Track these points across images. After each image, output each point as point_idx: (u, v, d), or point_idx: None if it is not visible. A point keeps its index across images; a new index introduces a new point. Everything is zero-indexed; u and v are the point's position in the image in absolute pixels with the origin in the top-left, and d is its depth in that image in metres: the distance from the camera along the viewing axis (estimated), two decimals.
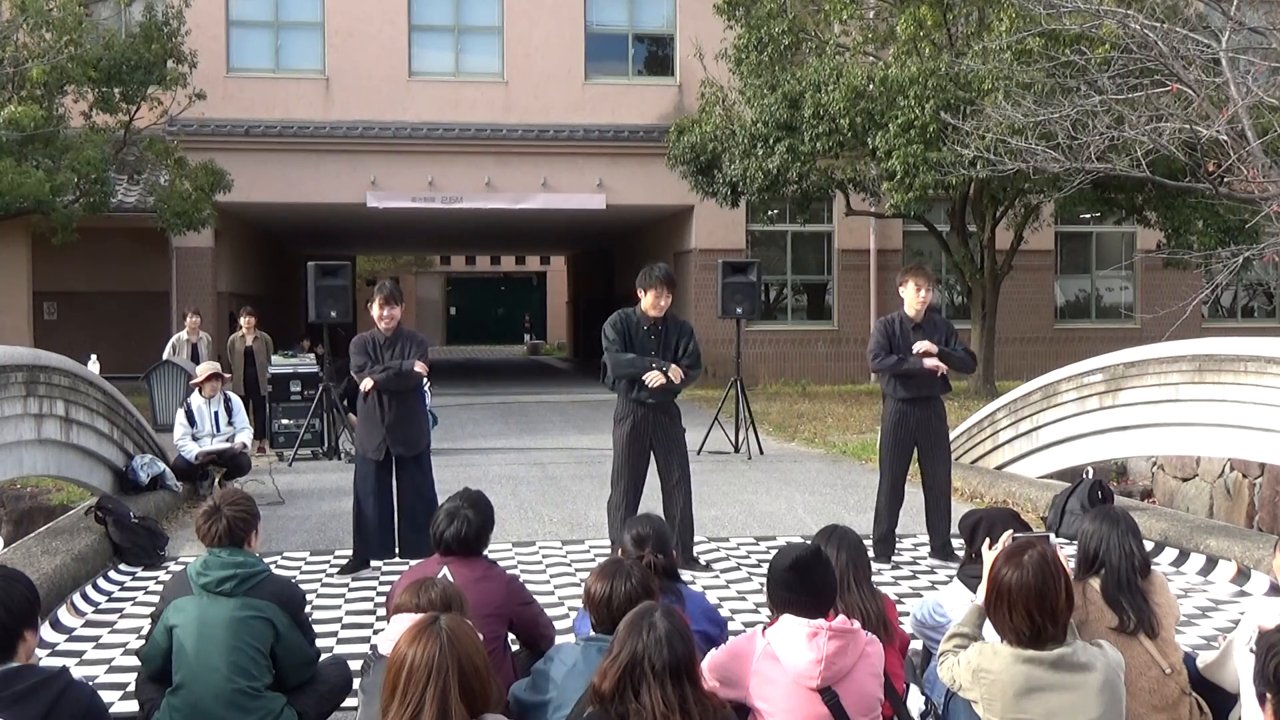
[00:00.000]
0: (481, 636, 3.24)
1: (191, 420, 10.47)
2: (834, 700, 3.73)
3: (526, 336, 54.58)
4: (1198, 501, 11.50)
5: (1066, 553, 4.41)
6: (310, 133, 22.04)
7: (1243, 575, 7.49)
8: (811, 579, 3.86)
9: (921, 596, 6.34)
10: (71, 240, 17.87)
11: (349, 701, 4.76)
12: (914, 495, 8.41)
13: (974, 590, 4.37)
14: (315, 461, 13.10)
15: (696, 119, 19.09)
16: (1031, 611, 3.69)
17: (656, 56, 23.93)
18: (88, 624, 6.74)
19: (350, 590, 7.45)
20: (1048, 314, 24.26)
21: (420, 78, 22.70)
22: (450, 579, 4.24)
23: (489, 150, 22.53)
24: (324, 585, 7.58)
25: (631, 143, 22.62)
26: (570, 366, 34.57)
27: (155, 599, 5.94)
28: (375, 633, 6.29)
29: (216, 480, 10.45)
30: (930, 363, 7.88)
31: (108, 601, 7.28)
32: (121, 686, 5.47)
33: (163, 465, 10.18)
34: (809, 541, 4.32)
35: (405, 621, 3.42)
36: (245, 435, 10.71)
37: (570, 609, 6.66)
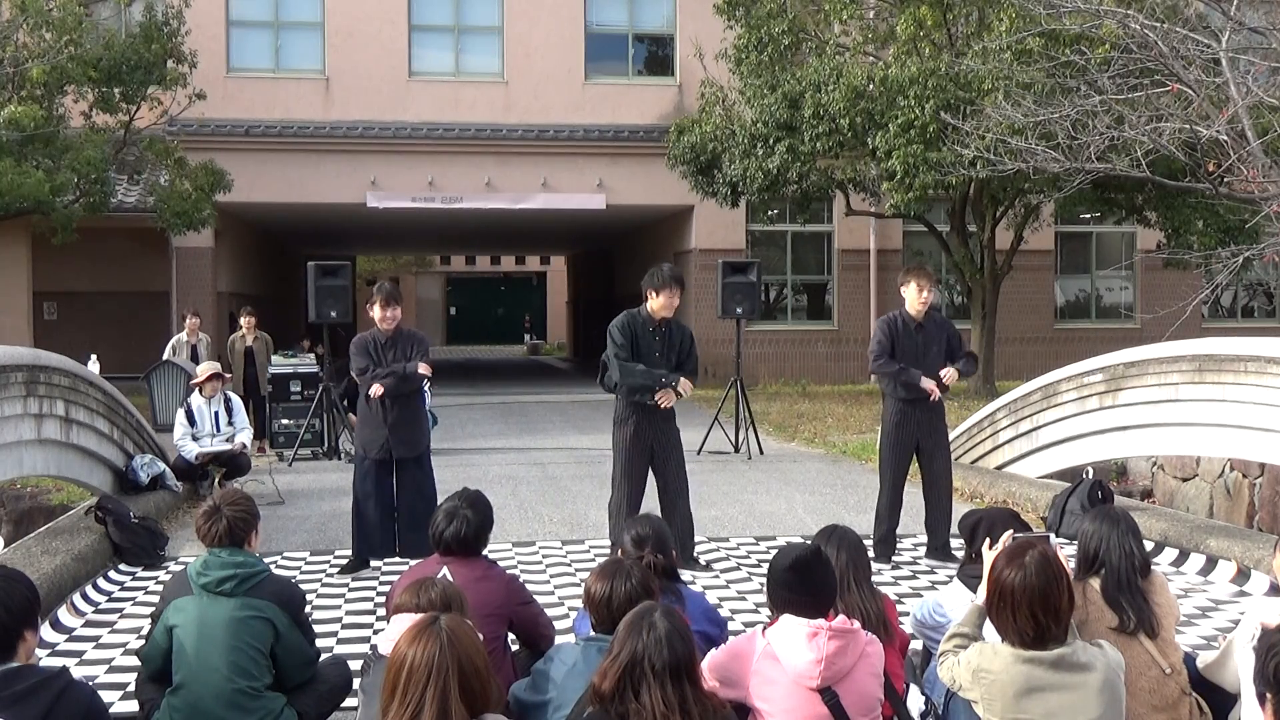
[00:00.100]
0: (481, 636, 3.24)
1: (191, 420, 10.47)
2: (834, 700, 3.73)
3: (526, 336, 54.58)
4: (1198, 501, 11.50)
5: (1066, 553, 4.41)
6: (310, 133, 22.04)
7: (1243, 575, 7.49)
8: (811, 579, 3.86)
9: (921, 596, 6.34)
10: (71, 240, 17.87)
11: (349, 701, 4.76)
12: (914, 495, 8.41)
13: (974, 590, 4.37)
14: (315, 461, 13.10)
15: (696, 119, 19.10)
16: (1035, 612, 3.69)
17: (656, 56, 23.93)
18: (88, 624, 6.74)
19: (350, 590, 7.45)
20: (1048, 314, 24.26)
21: (420, 78, 22.70)
22: (450, 579, 4.24)
23: (489, 150, 22.53)
24: (324, 585, 7.58)
25: (631, 143, 22.62)
26: (570, 366, 34.57)
27: (155, 599, 5.93)
28: (375, 633, 6.29)
29: (216, 480, 10.45)
30: (928, 384, 7.91)
31: (108, 601, 7.28)
32: (121, 686, 5.47)
33: (163, 465, 10.18)
34: (809, 541, 4.32)
35: (405, 621, 3.42)
36: (245, 435, 10.70)
37: (570, 609, 6.66)
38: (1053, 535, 4.60)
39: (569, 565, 8.08)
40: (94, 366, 13.16)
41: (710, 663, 3.87)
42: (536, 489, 11.15)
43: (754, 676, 3.80)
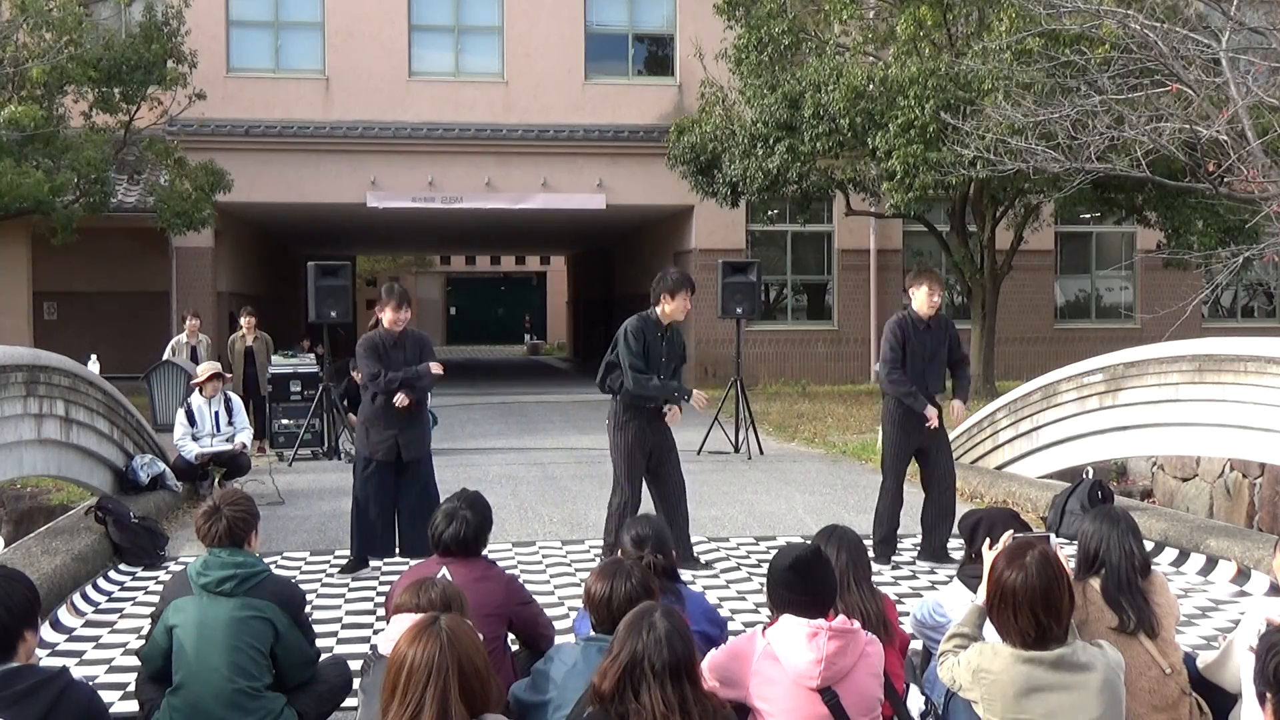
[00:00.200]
0: (481, 636, 3.24)
1: (192, 420, 10.47)
2: (834, 700, 3.73)
3: (526, 336, 54.59)
4: (1198, 501, 11.50)
5: (1066, 553, 4.41)
6: (310, 133, 22.04)
7: (1243, 575, 7.49)
8: (811, 579, 3.86)
9: (921, 596, 6.33)
10: (71, 240, 17.87)
11: (349, 701, 4.76)
12: (913, 495, 8.41)
13: (974, 590, 4.37)
14: (315, 461, 13.10)
15: (696, 119, 19.10)
16: (1037, 613, 3.69)
17: (656, 56, 23.93)
18: (88, 624, 6.74)
19: (350, 590, 7.45)
20: (1048, 314, 24.27)
21: (420, 78, 22.71)
22: (450, 579, 4.24)
23: (489, 150, 22.54)
24: (324, 585, 7.58)
25: (631, 143, 22.63)
26: (570, 366, 34.57)
27: (155, 599, 5.93)
28: (375, 633, 6.29)
29: (216, 480, 10.45)
30: (931, 414, 7.93)
31: (108, 601, 7.28)
32: (121, 686, 5.47)
33: (163, 465, 10.18)
34: (809, 541, 4.32)
35: (405, 621, 3.42)
36: (245, 435, 10.70)
37: (570, 609, 6.66)
38: (1053, 535, 4.59)
39: (569, 565, 8.08)
40: (94, 366, 13.16)
41: (710, 663, 3.87)
42: (536, 489, 11.15)
43: (754, 676, 3.80)
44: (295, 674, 4.61)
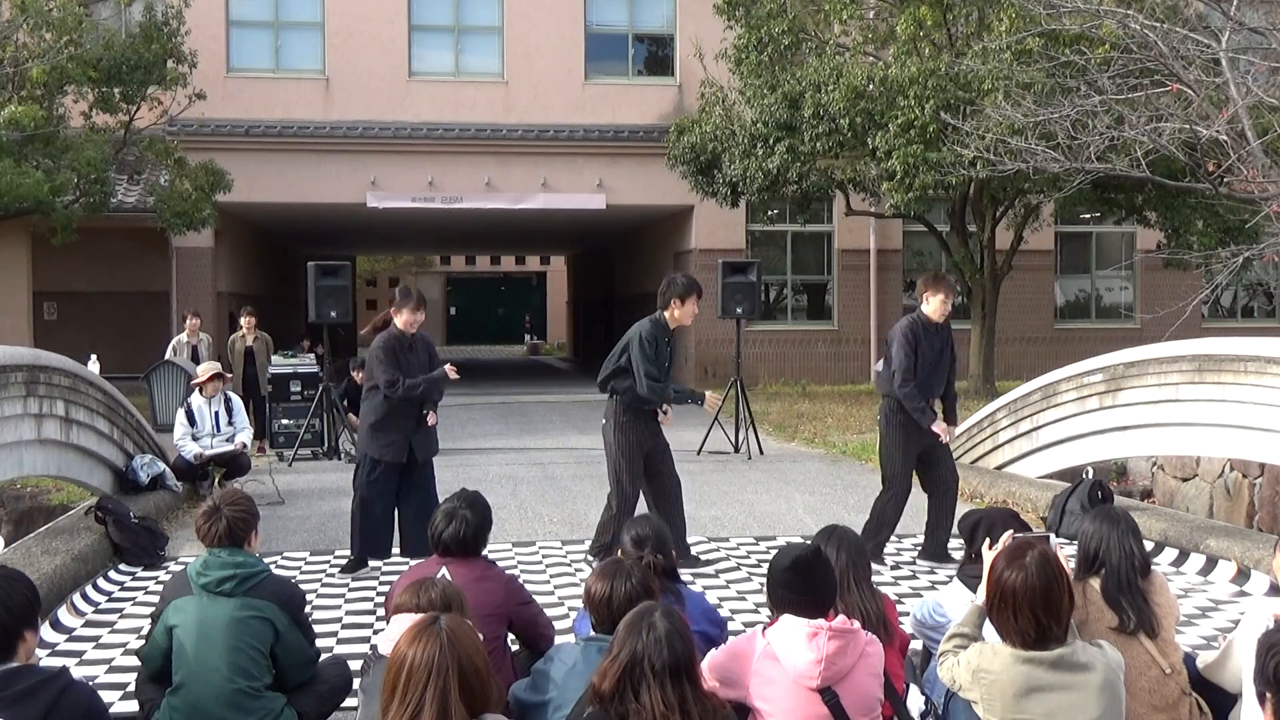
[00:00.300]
0: (481, 636, 3.24)
1: (192, 420, 10.47)
2: (834, 700, 3.73)
3: (526, 336, 54.60)
4: (1198, 501, 11.50)
5: (1066, 553, 4.41)
6: (310, 133, 22.04)
7: (1243, 575, 7.49)
8: (811, 579, 3.86)
9: (921, 596, 6.34)
10: (71, 240, 17.87)
11: (349, 701, 4.76)
12: (914, 495, 8.39)
13: (974, 590, 4.37)
14: (315, 461, 13.10)
15: (696, 119, 19.10)
16: (1037, 613, 3.69)
17: (656, 56, 23.93)
18: (88, 624, 6.74)
19: (350, 590, 7.45)
20: (1048, 314, 24.27)
21: (420, 78, 22.71)
22: (450, 579, 4.24)
23: (489, 150, 22.54)
24: (324, 585, 7.59)
25: (631, 143, 22.62)
26: (570, 366, 34.57)
27: (155, 599, 5.94)
28: (375, 633, 6.29)
29: (216, 480, 10.45)
30: (940, 429, 7.97)
31: (108, 601, 7.28)
32: (121, 686, 5.47)
33: (163, 465, 10.18)
34: (809, 541, 4.32)
35: (405, 621, 3.42)
36: (245, 435, 10.70)
37: (570, 609, 6.67)
38: (1053, 535, 4.59)
39: (569, 565, 8.08)
40: (94, 366, 13.16)
41: (710, 663, 3.87)
42: (536, 489, 11.16)
43: (754, 676, 3.80)
44: (295, 674, 4.61)
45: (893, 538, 8.59)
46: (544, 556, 8.37)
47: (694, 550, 8.26)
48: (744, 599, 7.12)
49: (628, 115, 22.74)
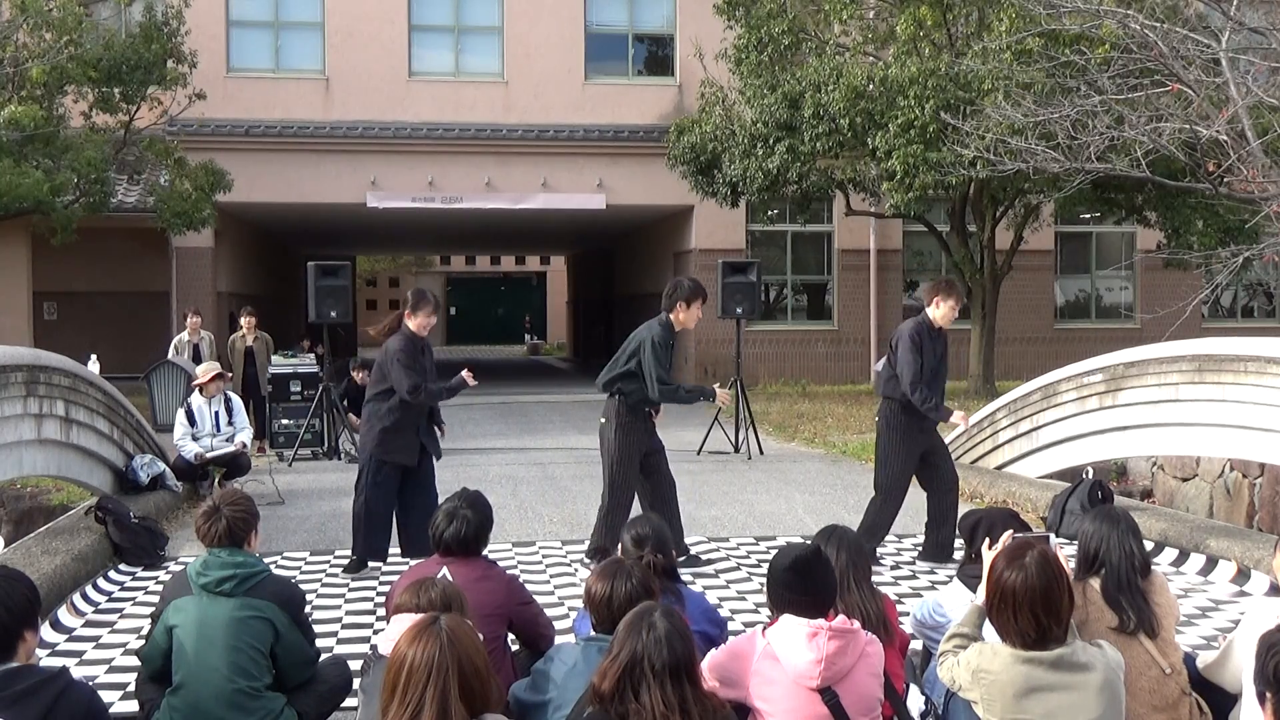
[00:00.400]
0: (481, 636, 3.24)
1: (192, 420, 10.47)
2: (834, 700, 3.73)
3: (527, 336, 54.61)
4: (1198, 501, 11.50)
5: (1066, 553, 4.41)
6: (310, 133, 22.04)
7: (1243, 575, 7.49)
8: (811, 579, 3.86)
9: (921, 596, 6.33)
10: (71, 240, 17.87)
11: (349, 701, 4.76)
12: (914, 495, 8.39)
13: (974, 590, 4.37)
14: (315, 461, 13.10)
15: (696, 119, 19.10)
16: (1037, 613, 3.68)
17: (656, 56, 23.93)
18: (88, 624, 6.74)
19: (350, 590, 7.45)
20: (1048, 314, 24.27)
21: (420, 78, 22.71)
22: (450, 579, 4.24)
23: (489, 150, 22.54)
24: (324, 585, 7.58)
25: (631, 143, 22.63)
26: (570, 366, 34.57)
27: (155, 599, 5.94)
28: (375, 633, 6.29)
29: (216, 480, 10.45)
30: (959, 416, 8.04)
31: (108, 601, 7.28)
32: (121, 686, 5.47)
33: (163, 465, 10.18)
34: (809, 541, 4.32)
35: (405, 621, 3.42)
36: (245, 435, 10.70)
37: (570, 609, 6.67)
38: (1053, 535, 4.60)
39: (569, 565, 8.07)
40: (94, 366, 13.16)
41: (710, 663, 3.87)
42: (536, 489, 11.16)
43: (754, 676, 3.80)
44: (295, 674, 4.61)
45: (893, 538, 8.60)
46: (544, 556, 8.37)
47: (694, 550, 8.26)
48: (744, 599, 7.12)
49: (628, 115, 22.75)
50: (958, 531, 6.11)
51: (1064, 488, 9.17)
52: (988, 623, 3.96)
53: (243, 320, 15.15)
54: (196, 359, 14.61)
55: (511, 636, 4.81)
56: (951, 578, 5.31)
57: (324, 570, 8.00)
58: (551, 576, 7.74)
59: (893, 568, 7.91)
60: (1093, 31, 14.04)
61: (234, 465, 10.53)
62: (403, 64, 22.62)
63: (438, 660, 2.99)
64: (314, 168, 22.04)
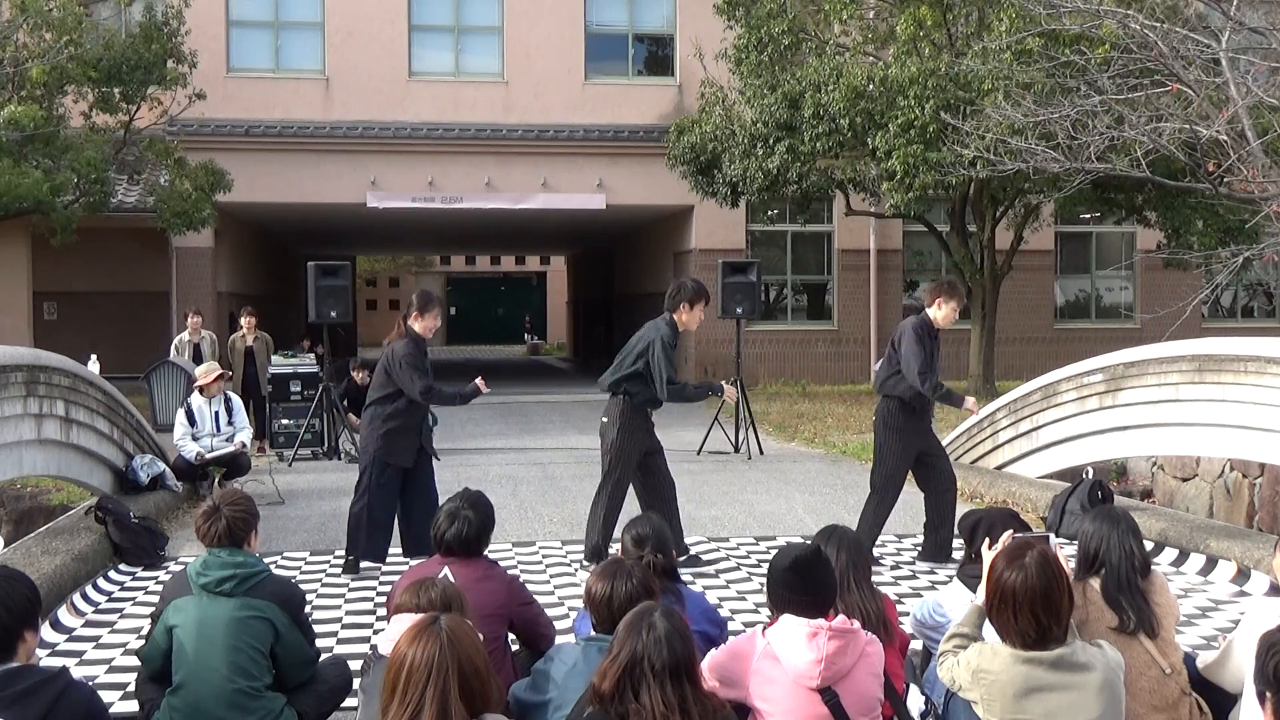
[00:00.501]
0: (482, 637, 3.24)
1: (191, 420, 10.47)
2: (834, 700, 3.73)
3: (527, 336, 54.60)
4: (1198, 501, 11.50)
5: (1066, 553, 4.41)
6: (310, 133, 22.04)
7: (1243, 575, 7.50)
8: (811, 579, 3.86)
9: (921, 596, 6.34)
10: (71, 240, 17.87)
11: (349, 701, 4.76)
12: (914, 495, 8.40)
13: (974, 590, 4.37)
14: (315, 461, 13.10)
15: (696, 119, 19.10)
16: (1037, 613, 3.68)
17: (656, 56, 23.93)
18: (88, 624, 6.74)
19: (350, 590, 7.45)
20: (1048, 314, 24.27)
21: (420, 78, 22.71)
22: (451, 579, 4.24)
23: (489, 150, 22.54)
24: (324, 585, 7.58)
25: (631, 143, 22.62)
26: (570, 366, 34.57)
27: (155, 599, 5.93)
28: (375, 633, 6.29)
29: (216, 480, 10.45)
30: (970, 402, 8.04)
31: (108, 601, 7.28)
32: (121, 686, 5.47)
33: (163, 465, 10.18)
34: (809, 541, 4.32)
35: (405, 621, 3.42)
36: (245, 435, 10.70)
37: (570, 609, 6.67)
38: (1053, 535, 4.60)
39: (569, 565, 8.07)
40: (94, 366, 13.16)
41: (710, 663, 3.87)
42: (536, 489, 11.16)
43: (754, 676, 3.80)
44: (295, 674, 4.61)
45: (893, 537, 8.60)
46: (544, 556, 8.37)
47: (694, 550, 8.26)
48: (744, 599, 7.12)
49: (628, 115, 22.74)
50: (957, 531, 6.11)
51: (1064, 488, 9.17)
52: (988, 623, 3.96)
53: (243, 320, 15.15)
54: (197, 359, 14.61)
55: (512, 636, 4.81)
56: (951, 578, 5.31)
57: (324, 570, 8.01)
58: (551, 576, 7.74)
59: (893, 568, 7.91)
60: (1093, 31, 14.04)
61: (234, 465, 10.53)
62: (403, 64, 22.62)
63: (438, 660, 2.99)
64: (314, 168, 22.04)
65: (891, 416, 7.96)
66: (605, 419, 7.90)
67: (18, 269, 20.39)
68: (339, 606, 7.05)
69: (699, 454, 13.18)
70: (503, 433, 15.81)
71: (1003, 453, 10.88)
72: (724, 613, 6.36)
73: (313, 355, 14.62)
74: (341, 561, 8.03)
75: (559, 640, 4.65)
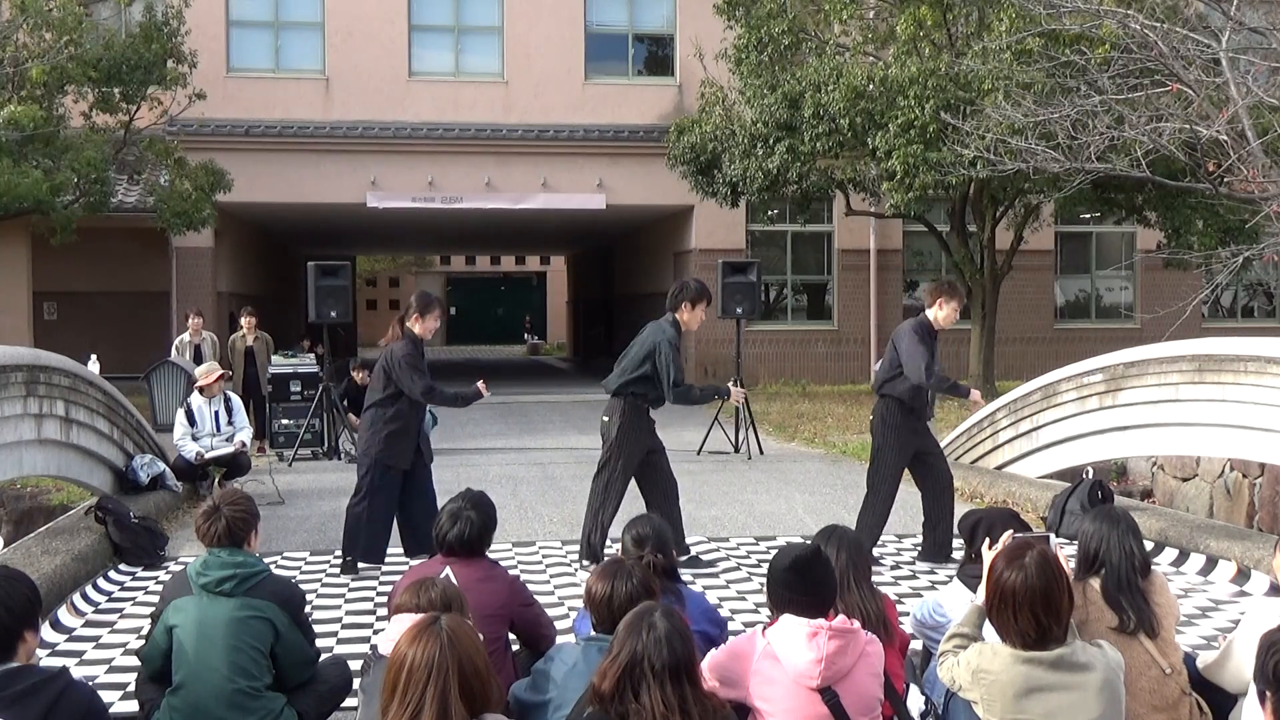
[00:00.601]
0: (482, 637, 3.24)
1: (191, 420, 10.47)
2: (834, 700, 3.73)
3: (527, 336, 54.60)
4: (1198, 501, 11.50)
5: (1066, 553, 4.41)
6: (310, 133, 22.04)
7: (1243, 575, 7.50)
8: (811, 579, 3.86)
9: (921, 596, 6.34)
10: (71, 240, 17.87)
11: (349, 701, 4.76)
12: (914, 495, 8.40)
13: (974, 590, 4.37)
14: (315, 461, 13.10)
15: (696, 119, 19.10)
16: (1037, 613, 3.68)
17: (656, 56, 23.93)
18: (88, 624, 6.74)
19: (350, 590, 7.45)
20: (1048, 314, 24.27)
21: (420, 78, 22.71)
22: (452, 579, 4.24)
23: (489, 150, 22.54)
24: (324, 585, 7.58)
25: (631, 143, 22.63)
26: (570, 366, 34.57)
27: (155, 599, 5.94)
28: (375, 633, 6.29)
29: (216, 480, 10.45)
30: (976, 394, 8.08)
31: (108, 601, 7.28)
32: (121, 686, 5.47)
33: (163, 465, 10.18)
34: (809, 541, 4.32)
35: (405, 621, 3.42)
36: (245, 435, 10.71)
37: (570, 609, 6.67)
38: (1053, 535, 4.60)
39: (569, 565, 8.08)
40: (94, 366, 13.16)
41: (710, 663, 3.87)
42: (536, 489, 11.16)
43: (754, 676, 3.80)
44: (295, 674, 4.61)
45: (893, 538, 8.60)
46: (544, 556, 8.37)
47: (694, 550, 8.26)
48: (744, 599, 7.12)
49: (628, 115, 22.75)
50: (957, 531, 6.11)
51: (1064, 488, 9.18)
52: (988, 623, 3.96)
53: (243, 320, 15.16)
54: (198, 359, 14.61)
55: (512, 636, 4.81)
56: (951, 578, 5.31)
57: (324, 570, 8.01)
58: (551, 576, 7.74)
59: (893, 568, 7.91)
60: (1093, 31, 14.04)
61: (234, 465, 10.53)
62: (403, 64, 22.62)
63: (438, 660, 2.99)
64: (314, 168, 22.04)
65: (890, 416, 7.96)
66: (606, 417, 7.91)
67: (18, 269, 20.39)
68: (339, 606, 7.05)
69: (699, 454, 13.18)
70: (503, 433, 15.81)
71: (1003, 453, 10.89)
72: (724, 613, 6.36)
73: (313, 355, 14.62)
74: (340, 562, 8.04)
75: (559, 640, 4.65)
